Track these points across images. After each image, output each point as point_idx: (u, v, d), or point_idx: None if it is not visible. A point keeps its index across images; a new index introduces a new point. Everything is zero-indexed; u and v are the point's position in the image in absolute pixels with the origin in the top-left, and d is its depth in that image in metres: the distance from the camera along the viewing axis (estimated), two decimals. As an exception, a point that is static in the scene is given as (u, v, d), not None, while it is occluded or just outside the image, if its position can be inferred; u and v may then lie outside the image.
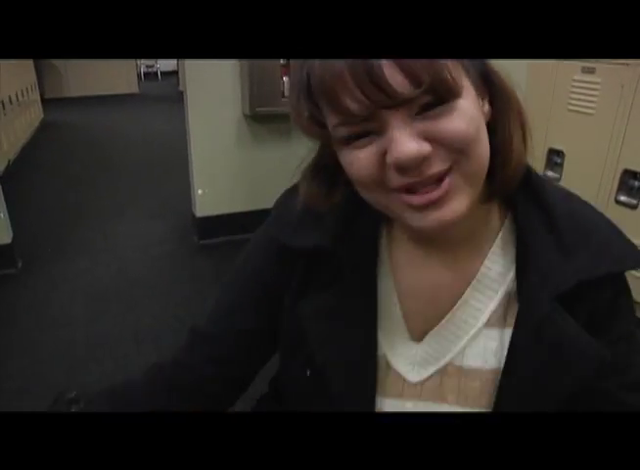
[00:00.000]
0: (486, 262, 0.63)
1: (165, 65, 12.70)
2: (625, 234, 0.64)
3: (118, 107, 9.11)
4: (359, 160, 0.52)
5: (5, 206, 2.91)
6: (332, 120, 0.52)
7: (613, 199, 2.51)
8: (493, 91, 0.57)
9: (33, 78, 7.62)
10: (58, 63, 9.81)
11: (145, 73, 12.49)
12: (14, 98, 5.77)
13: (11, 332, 2.39)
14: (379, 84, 0.47)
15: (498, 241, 0.63)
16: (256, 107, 2.95)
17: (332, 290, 0.64)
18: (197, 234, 3.31)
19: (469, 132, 0.50)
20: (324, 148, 0.61)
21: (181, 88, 3.88)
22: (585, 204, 0.65)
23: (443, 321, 0.63)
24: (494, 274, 0.63)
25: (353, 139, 0.51)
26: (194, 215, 3.29)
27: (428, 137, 0.50)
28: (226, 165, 3.16)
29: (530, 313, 0.59)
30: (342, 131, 0.51)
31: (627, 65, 2.37)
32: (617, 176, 2.49)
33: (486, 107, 0.56)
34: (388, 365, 0.65)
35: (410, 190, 0.52)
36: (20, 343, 2.30)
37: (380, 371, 0.65)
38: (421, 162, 0.50)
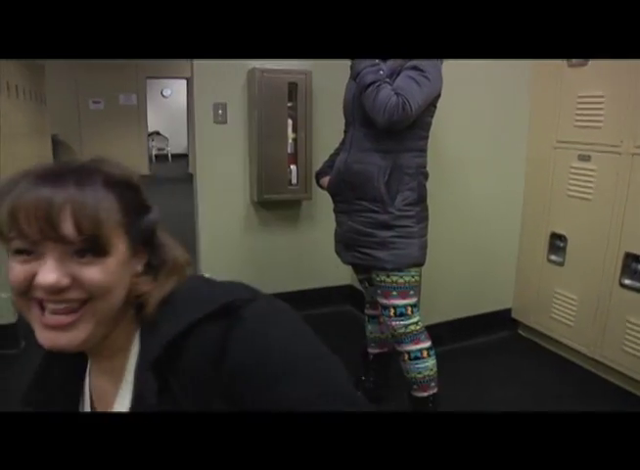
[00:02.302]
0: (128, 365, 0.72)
1: (176, 147, 13.13)
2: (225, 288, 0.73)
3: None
4: (17, 271, 0.63)
5: (12, 286, 2.93)
6: (10, 235, 0.63)
7: (617, 282, 2.51)
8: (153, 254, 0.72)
9: (50, 157, 7.85)
10: (73, 143, 10.17)
11: (156, 156, 12.88)
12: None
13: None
14: (51, 222, 0.60)
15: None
16: (264, 194, 3.05)
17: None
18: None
19: (105, 284, 0.64)
20: None
21: (191, 170, 4.01)
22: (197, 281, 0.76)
23: None
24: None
25: (19, 253, 0.63)
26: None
27: (73, 276, 0.62)
28: (233, 250, 3.21)
29: (135, 391, 0.68)
30: (15, 244, 0.63)
31: (620, 154, 2.46)
32: (620, 260, 2.50)
33: (139, 267, 0.70)
34: None
35: (45, 307, 0.64)
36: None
37: None
38: (59, 290, 0.62)
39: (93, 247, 0.63)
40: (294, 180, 3.09)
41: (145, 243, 0.70)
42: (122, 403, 0.72)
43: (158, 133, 13.13)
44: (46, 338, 0.65)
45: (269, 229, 3.25)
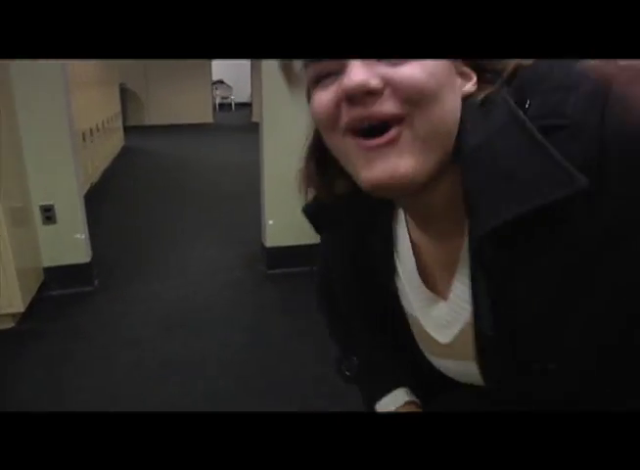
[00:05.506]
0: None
1: (240, 96, 13.18)
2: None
3: (193, 135, 9.50)
4: (320, 99, 0.55)
5: (86, 227, 3.08)
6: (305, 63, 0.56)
7: None
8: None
9: (118, 107, 8.08)
10: (140, 92, 10.38)
11: (220, 104, 12.99)
12: (100, 125, 6.13)
13: (85, 347, 2.50)
14: None
15: None
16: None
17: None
18: (265, 264, 3.37)
19: (425, 84, 0.51)
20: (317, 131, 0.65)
21: (254, 119, 4.00)
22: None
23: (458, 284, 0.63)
24: None
25: (321, 78, 0.55)
26: (263, 245, 3.36)
27: (384, 78, 0.51)
28: (298, 197, 3.19)
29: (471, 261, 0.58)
30: (310, 71, 0.56)
31: None
32: None
33: (471, 83, 0.56)
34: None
35: (361, 134, 0.53)
36: (91, 359, 2.40)
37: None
38: (368, 94, 0.51)
39: None
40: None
41: None
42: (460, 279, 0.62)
43: (221, 82, 13.19)
44: (370, 169, 0.54)
45: (333, 179, 3.22)
